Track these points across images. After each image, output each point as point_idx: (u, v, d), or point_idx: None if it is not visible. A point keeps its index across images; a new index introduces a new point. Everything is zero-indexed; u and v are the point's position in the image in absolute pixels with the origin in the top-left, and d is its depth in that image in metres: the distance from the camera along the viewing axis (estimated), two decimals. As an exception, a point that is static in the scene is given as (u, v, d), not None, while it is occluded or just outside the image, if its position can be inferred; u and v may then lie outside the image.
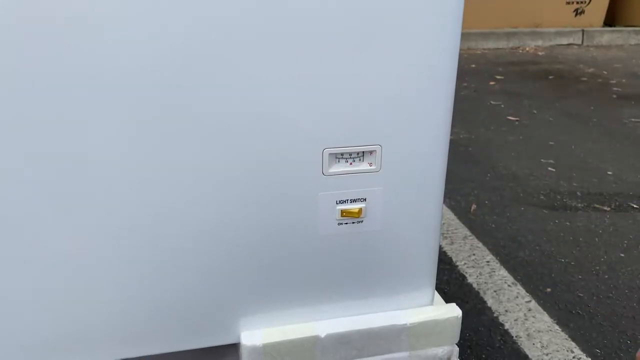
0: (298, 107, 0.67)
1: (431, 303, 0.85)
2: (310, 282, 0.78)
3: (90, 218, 0.66)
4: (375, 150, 0.72)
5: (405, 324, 0.79)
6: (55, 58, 0.59)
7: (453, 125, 2.79)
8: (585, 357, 1.17)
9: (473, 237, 1.67)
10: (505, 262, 1.53)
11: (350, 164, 0.72)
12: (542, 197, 1.95)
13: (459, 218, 1.78)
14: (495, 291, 1.40)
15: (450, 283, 1.43)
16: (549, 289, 1.41)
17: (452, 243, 1.63)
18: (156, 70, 0.62)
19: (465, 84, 3.54)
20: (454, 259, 1.54)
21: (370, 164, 0.73)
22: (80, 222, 0.66)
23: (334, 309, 0.80)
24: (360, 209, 0.74)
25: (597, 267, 1.51)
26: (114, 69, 0.61)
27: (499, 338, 1.23)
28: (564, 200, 1.93)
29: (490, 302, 1.35)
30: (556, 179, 2.11)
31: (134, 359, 0.76)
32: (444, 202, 1.88)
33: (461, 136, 2.60)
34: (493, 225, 1.74)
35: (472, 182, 2.07)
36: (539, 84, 3.63)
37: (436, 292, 0.88)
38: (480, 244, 1.62)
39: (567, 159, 2.31)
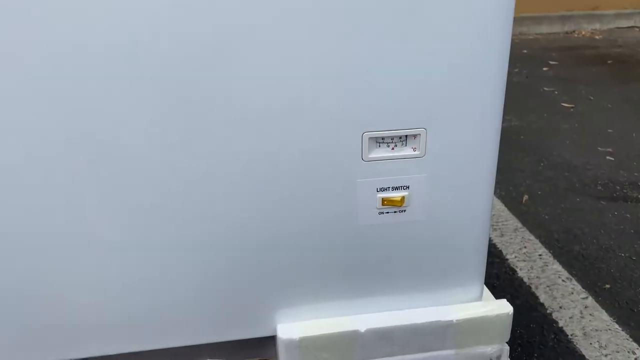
0: (334, 87, 0.63)
1: (480, 299, 0.79)
2: (350, 274, 0.74)
3: (135, 210, 0.64)
4: (419, 134, 0.67)
5: (452, 321, 0.74)
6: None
7: (503, 113, 2.67)
8: (648, 359, 1.09)
9: (524, 229, 1.58)
10: (559, 255, 1.45)
11: (392, 148, 0.68)
12: (599, 187, 1.84)
13: (510, 209, 1.70)
14: (548, 286, 1.32)
15: (500, 277, 1.36)
16: (607, 285, 1.32)
17: (502, 235, 1.55)
18: (194, 57, 0.59)
19: (517, 70, 3.39)
20: (504, 252, 1.47)
21: (414, 149, 0.68)
22: (128, 215, 0.64)
23: (375, 302, 0.76)
24: (403, 197, 0.70)
25: (661, 263, 1.41)
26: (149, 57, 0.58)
27: (552, 336, 1.15)
28: (624, 190, 1.81)
29: (543, 298, 1.28)
30: (615, 169, 1.98)
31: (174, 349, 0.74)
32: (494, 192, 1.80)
33: (513, 124, 2.48)
34: (546, 217, 1.65)
35: (524, 171, 1.97)
36: (596, 69, 3.45)
37: (485, 287, 0.82)
38: (532, 237, 1.54)
39: (626, 148, 2.17)
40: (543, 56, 3.83)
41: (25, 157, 0.60)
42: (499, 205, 1.73)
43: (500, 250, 1.48)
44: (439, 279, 0.77)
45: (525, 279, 1.35)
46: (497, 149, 0.71)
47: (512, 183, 1.88)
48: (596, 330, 1.17)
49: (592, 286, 1.32)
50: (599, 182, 1.88)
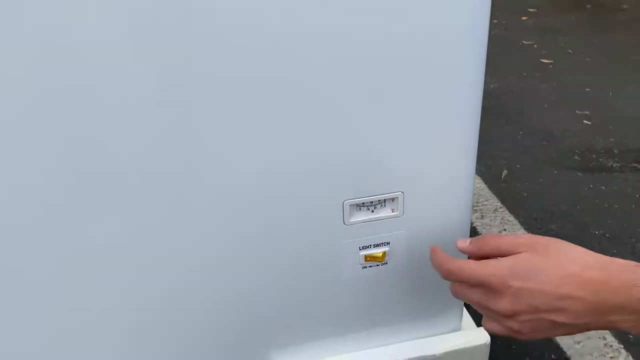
0: (314, 161, 0.65)
1: (460, 328, 0.85)
2: (335, 318, 0.78)
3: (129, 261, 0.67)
4: (397, 197, 0.70)
5: (435, 355, 0.80)
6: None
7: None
8: (617, 344, 1.17)
9: (504, 209, 1.64)
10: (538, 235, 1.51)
11: (372, 211, 0.70)
12: (576, 157, 1.89)
13: (490, 187, 1.75)
14: (526, 271, 1.39)
15: (481, 264, 1.43)
16: (582, 267, 1.39)
17: (482, 217, 1.61)
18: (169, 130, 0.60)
19: (496, 21, 3.36)
20: (484, 236, 1.53)
21: (393, 210, 0.71)
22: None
23: (359, 339, 0.81)
24: (384, 253, 0.73)
25: (633, 239, 1.48)
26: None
27: (530, 325, 1.23)
28: (600, 160, 1.87)
29: (521, 285, 1.35)
30: (592, 134, 2.03)
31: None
32: (474, 168, 1.85)
33: (492, 86, 2.50)
34: (525, 194, 1.70)
35: (503, 142, 2.01)
36: (575, 16, 3.42)
37: (465, 312, 0.88)
38: (511, 217, 1.60)
39: (603, 109, 2.21)
40: (522, 2, 3.78)
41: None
42: (479, 183, 1.77)
43: (480, 234, 1.54)
44: (421, 314, 0.82)
45: (505, 265, 1.41)
46: (472, 196, 0.74)
47: (491, 156, 1.92)
48: (570, 316, 1.25)
49: (567, 269, 1.39)
50: (576, 151, 1.93)
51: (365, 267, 0.74)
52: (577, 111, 2.21)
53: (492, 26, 3.01)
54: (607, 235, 1.49)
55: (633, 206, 1.61)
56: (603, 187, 1.71)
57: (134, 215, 0.63)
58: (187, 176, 0.62)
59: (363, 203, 0.69)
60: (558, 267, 0.51)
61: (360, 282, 0.75)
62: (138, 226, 0.64)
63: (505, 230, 1.54)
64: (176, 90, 0.58)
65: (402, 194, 0.70)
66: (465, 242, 0.62)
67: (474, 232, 1.55)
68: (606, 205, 1.63)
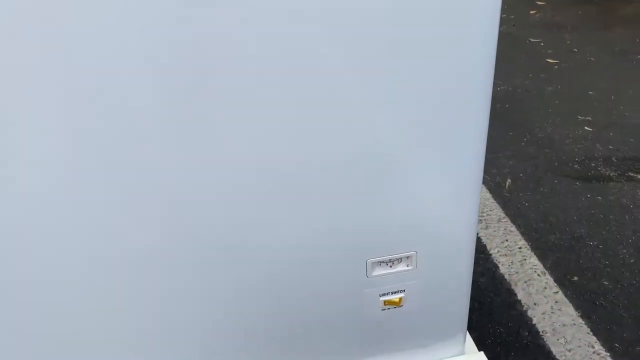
0: (345, 230, 0.80)
1: (463, 352, 1.00)
2: (356, 345, 0.94)
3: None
4: (411, 255, 0.84)
5: (440, 377, 0.96)
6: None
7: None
8: (604, 352, 1.33)
9: (507, 219, 1.78)
10: (536, 247, 1.65)
11: (390, 266, 0.85)
12: (576, 165, 2.02)
13: (494, 196, 1.89)
14: (525, 282, 1.54)
15: (484, 274, 1.58)
16: (575, 278, 1.54)
17: (486, 227, 1.75)
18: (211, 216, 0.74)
19: (504, 15, 3.43)
20: (488, 247, 1.67)
21: (408, 265, 0.85)
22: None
23: (379, 362, 0.97)
24: (400, 298, 0.88)
25: (624, 251, 1.62)
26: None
27: (526, 334, 1.38)
28: (598, 168, 1.99)
29: (520, 295, 1.50)
30: (592, 141, 2.15)
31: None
32: (480, 177, 1.98)
33: (498, 88, 2.60)
34: (526, 204, 1.84)
35: (508, 149, 2.13)
36: (582, 11, 3.49)
37: (468, 336, 1.03)
38: (513, 228, 1.74)
39: (605, 114, 2.32)
40: (531, -6, 3.83)
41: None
42: (485, 192, 1.91)
43: (485, 245, 1.68)
44: (429, 340, 0.97)
45: (506, 276, 1.56)
46: (473, 249, 0.88)
47: (496, 165, 2.05)
48: (563, 325, 1.40)
49: (562, 279, 1.53)
50: (576, 159, 2.05)
51: (384, 309, 0.89)
52: (579, 116, 2.32)
53: (501, 22, 3.07)
54: (600, 247, 1.63)
55: (627, 217, 1.74)
56: (599, 197, 1.84)
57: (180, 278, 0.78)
58: (240, 244, 0.77)
59: (383, 261, 0.84)
60: None
61: (378, 319, 0.90)
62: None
63: (507, 240, 1.69)
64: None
65: (416, 253, 0.84)
66: None
67: (478, 242, 1.70)
68: (601, 215, 1.76)
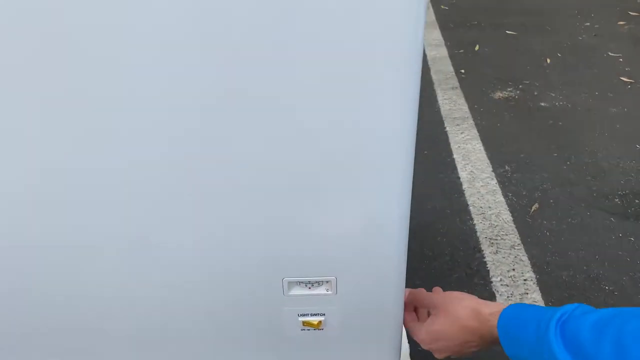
0: (260, 248, 0.78)
1: (394, 382, 0.95)
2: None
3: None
4: (330, 280, 0.81)
5: (363, 408, 0.92)
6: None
7: (551, 88, 2.59)
8: None
9: (521, 247, 1.67)
10: (544, 282, 1.54)
11: (309, 288, 0.82)
12: (617, 199, 1.85)
13: (515, 220, 1.77)
14: (520, 317, 1.44)
15: (478, 302, 1.49)
16: (577, 323, 1.42)
17: (496, 252, 1.65)
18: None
19: (588, 24, 3.17)
20: (490, 273, 1.58)
21: (327, 290, 0.82)
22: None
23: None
24: (320, 322, 0.85)
25: (641, 301, 1.47)
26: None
27: (504, 374, 1.30)
28: (641, 206, 1.81)
29: (510, 330, 1.40)
30: (643, 175, 1.96)
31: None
32: (506, 197, 1.86)
33: (557, 104, 2.43)
34: (547, 233, 1.71)
35: (546, 171, 1.99)
36: (679, 26, 3.16)
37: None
38: (525, 257, 1.63)
39: (668, 147, 2.10)
40: (626, 3, 3.52)
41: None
42: (506, 214, 1.80)
43: (488, 271, 1.59)
44: (360, 367, 0.93)
45: (501, 307, 1.47)
46: (401, 287, 0.83)
47: (528, 186, 1.92)
48: (547, 371, 1.30)
49: (562, 322, 1.42)
50: (618, 193, 1.88)
51: (304, 329, 0.86)
52: (637, 145, 2.12)
53: (581, 30, 2.93)
54: (615, 293, 1.49)
55: (656, 265, 1.58)
56: (632, 238, 1.68)
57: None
58: (160, 245, 0.77)
59: (301, 281, 0.81)
60: (453, 324, 0.78)
61: (300, 338, 0.88)
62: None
63: (514, 270, 1.58)
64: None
65: (335, 279, 0.80)
66: (405, 293, 0.86)
67: (483, 266, 1.61)
68: (628, 259, 1.60)
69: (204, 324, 0.86)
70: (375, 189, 0.72)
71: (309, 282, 0.81)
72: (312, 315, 0.84)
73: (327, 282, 0.81)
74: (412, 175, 0.74)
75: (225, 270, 0.79)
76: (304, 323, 0.85)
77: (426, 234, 1.71)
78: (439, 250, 1.65)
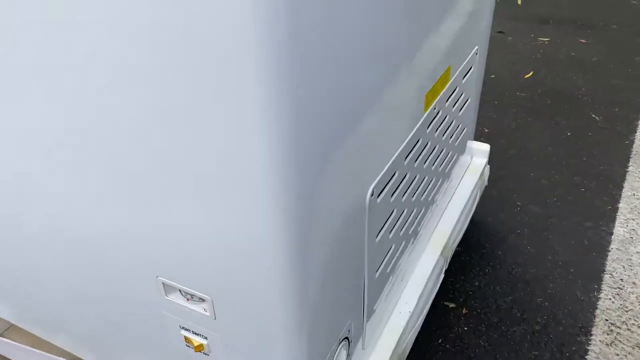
0: (133, 244, 0.63)
1: None
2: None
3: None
4: (206, 300, 0.62)
5: None
6: None
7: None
8: None
9: None
10: None
11: (188, 299, 0.65)
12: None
13: None
14: None
15: None
16: None
17: (610, 344, 1.21)
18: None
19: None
20: None
21: (205, 310, 0.63)
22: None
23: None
24: (202, 345, 0.67)
25: None
26: None
27: None
28: None
29: None
30: None
31: None
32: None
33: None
34: None
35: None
36: None
37: None
38: (650, 366, 1.16)
39: None
40: None
41: None
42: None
43: (585, 364, 1.17)
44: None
45: None
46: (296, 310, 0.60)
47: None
48: None
49: None
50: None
51: (189, 347, 0.69)
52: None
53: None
54: None
55: None
56: None
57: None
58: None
59: (176, 287, 0.64)
60: None
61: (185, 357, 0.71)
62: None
63: None
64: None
65: (211, 300, 0.62)
66: None
67: (579, 356, 1.19)
68: None
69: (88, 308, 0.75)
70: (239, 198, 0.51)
71: (187, 293, 0.64)
72: (194, 333, 0.67)
73: (203, 300, 0.63)
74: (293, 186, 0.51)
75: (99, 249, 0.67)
76: (186, 339, 0.68)
77: (529, 287, 1.33)
78: (532, 313, 1.27)
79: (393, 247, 0.83)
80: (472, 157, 1.40)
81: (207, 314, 0.64)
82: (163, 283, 0.65)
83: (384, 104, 0.65)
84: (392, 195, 0.76)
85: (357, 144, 0.61)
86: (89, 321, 0.79)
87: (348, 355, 0.77)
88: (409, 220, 0.88)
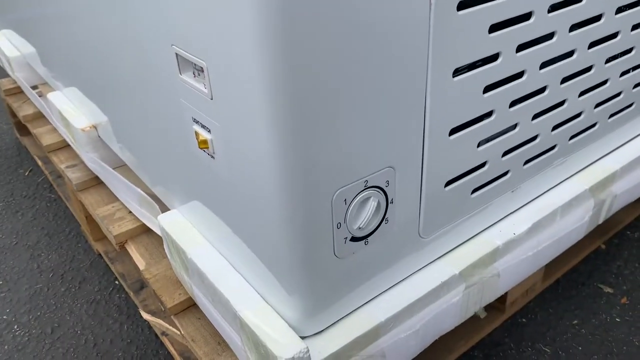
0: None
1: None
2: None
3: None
4: (202, 68, 0.53)
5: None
6: None
7: None
8: None
9: None
10: None
11: (195, 76, 0.56)
12: None
13: None
14: None
15: None
16: None
17: None
18: None
19: None
20: None
21: (205, 86, 0.54)
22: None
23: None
24: (206, 140, 0.58)
25: None
26: None
27: None
28: None
29: None
30: None
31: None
32: None
33: None
34: None
35: None
36: None
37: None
38: None
39: None
40: None
41: None
42: None
43: None
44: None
45: None
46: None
47: None
48: None
49: None
50: None
51: (202, 149, 0.61)
52: None
53: None
54: None
55: None
56: None
57: None
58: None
59: (188, 60, 0.56)
60: None
61: (201, 163, 0.63)
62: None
63: None
64: None
65: (206, 66, 0.52)
66: None
67: None
68: None
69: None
70: None
71: (195, 67, 0.56)
72: (201, 126, 0.59)
73: (202, 69, 0.54)
74: None
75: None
76: (197, 135, 0.60)
77: None
78: None
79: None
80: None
81: (206, 90, 0.54)
82: (176, 54, 0.57)
83: None
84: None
85: None
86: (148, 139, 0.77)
87: (385, 219, 0.59)
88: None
